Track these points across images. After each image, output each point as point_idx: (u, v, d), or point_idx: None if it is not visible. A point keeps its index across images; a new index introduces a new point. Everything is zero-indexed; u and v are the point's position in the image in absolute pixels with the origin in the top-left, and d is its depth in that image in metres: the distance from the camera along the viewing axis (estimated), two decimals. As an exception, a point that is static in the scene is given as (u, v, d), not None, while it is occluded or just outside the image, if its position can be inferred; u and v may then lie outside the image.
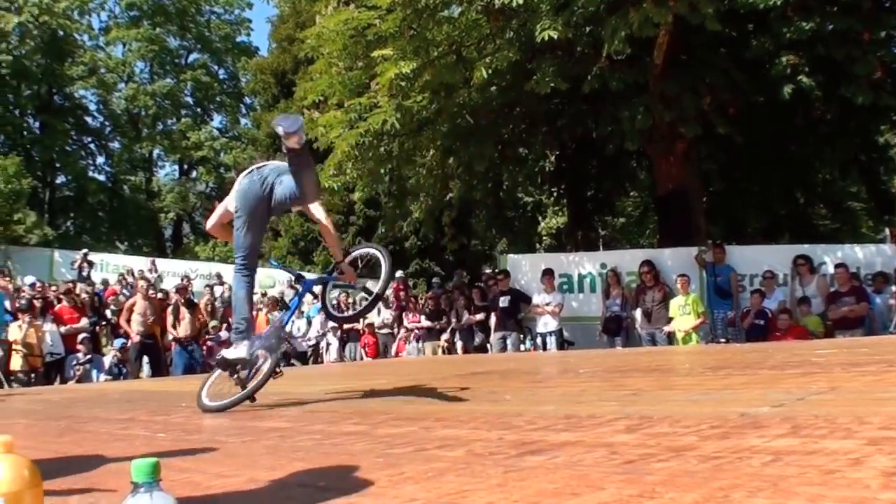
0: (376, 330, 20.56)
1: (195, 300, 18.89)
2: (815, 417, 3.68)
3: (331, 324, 19.94)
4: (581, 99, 18.35)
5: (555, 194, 28.49)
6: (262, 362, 6.51)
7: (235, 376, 6.54)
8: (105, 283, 23.82)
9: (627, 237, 37.76)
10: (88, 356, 16.58)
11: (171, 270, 29.20)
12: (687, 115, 17.02)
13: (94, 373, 16.58)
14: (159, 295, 18.90)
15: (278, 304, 20.36)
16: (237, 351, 6.50)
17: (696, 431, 3.50)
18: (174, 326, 17.42)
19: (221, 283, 23.49)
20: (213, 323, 18.78)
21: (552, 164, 25.01)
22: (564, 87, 16.26)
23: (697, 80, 17.22)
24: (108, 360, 16.88)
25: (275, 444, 4.38)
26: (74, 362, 16.49)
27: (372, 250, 7.16)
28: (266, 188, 6.67)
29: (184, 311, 17.47)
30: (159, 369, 17.37)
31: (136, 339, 16.94)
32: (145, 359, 17.44)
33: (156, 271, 26.35)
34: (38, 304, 17.09)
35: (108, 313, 19.29)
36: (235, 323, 6.71)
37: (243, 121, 58.40)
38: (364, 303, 7.35)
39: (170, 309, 17.76)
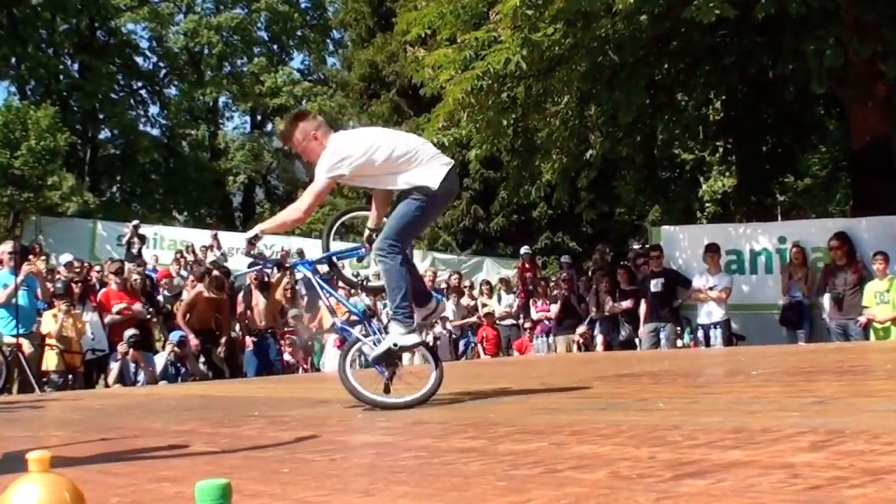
0: (497, 321, 20.57)
1: (271, 282, 18.86)
2: None
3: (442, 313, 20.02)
4: (754, 30, 18.06)
5: (721, 150, 28.15)
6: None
7: (391, 369, 7.37)
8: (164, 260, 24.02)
9: (812, 204, 37.18)
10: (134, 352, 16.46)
11: (241, 247, 29.35)
12: (889, 48, 16.64)
13: (143, 374, 16.48)
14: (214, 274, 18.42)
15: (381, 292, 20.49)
16: (409, 338, 7.20)
17: (901, 450, 3.45)
18: (246, 315, 17.42)
19: (307, 263, 23.46)
20: (292, 312, 18.82)
21: (717, 112, 24.71)
22: (732, 15, 15.91)
23: (904, 4, 16.83)
24: (162, 358, 16.93)
25: (371, 462, 4.44)
26: (120, 359, 16.39)
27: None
28: None
29: (257, 296, 17.46)
30: (222, 370, 17.52)
31: (195, 341, 16.95)
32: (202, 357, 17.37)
33: (219, 247, 26.24)
34: (77, 288, 16.98)
35: (161, 300, 19.18)
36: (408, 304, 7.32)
37: (330, 60, 58.57)
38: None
39: (241, 294, 17.79)
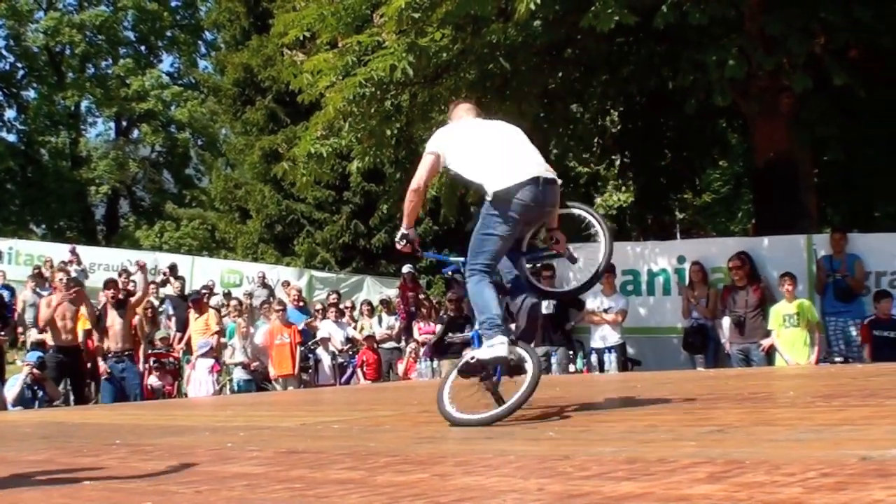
0: (377, 344, 20.46)
1: (129, 300, 18.52)
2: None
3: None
4: (654, 38, 18.23)
5: (617, 164, 28.39)
6: (526, 363, 7.29)
7: (487, 381, 7.42)
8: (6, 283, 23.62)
9: (713, 222, 37.66)
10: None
11: (103, 262, 29.08)
12: (794, 61, 16.89)
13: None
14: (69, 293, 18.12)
15: (244, 308, 20.35)
16: (495, 350, 7.20)
17: (802, 481, 3.49)
18: (101, 336, 17.15)
19: (177, 278, 23.24)
20: (160, 334, 18.54)
21: (614, 124, 24.91)
22: (632, 22, 16.07)
23: (808, 15, 17.05)
24: (17, 381, 16.49)
25: (241, 495, 4.39)
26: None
27: (583, 212, 8.63)
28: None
29: (113, 316, 17.19)
30: (83, 393, 17.21)
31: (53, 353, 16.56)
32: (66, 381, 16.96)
33: (79, 262, 25.93)
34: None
35: (23, 319, 18.84)
36: (488, 318, 7.42)
37: (202, 63, 57.95)
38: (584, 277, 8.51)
39: (91, 312, 17.49)
